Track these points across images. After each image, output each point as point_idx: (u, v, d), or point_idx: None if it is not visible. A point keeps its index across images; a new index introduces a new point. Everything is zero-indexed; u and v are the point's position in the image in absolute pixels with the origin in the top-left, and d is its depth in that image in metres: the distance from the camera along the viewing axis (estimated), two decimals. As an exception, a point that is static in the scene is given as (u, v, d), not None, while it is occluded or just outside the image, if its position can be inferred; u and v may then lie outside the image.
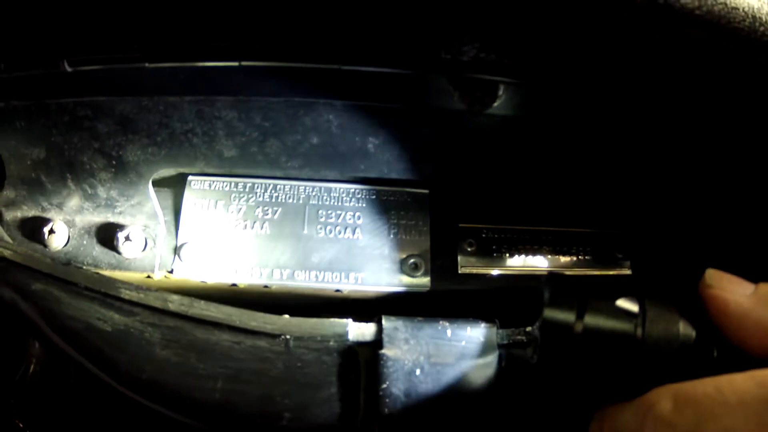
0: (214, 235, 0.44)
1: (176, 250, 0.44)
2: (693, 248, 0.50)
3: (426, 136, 0.41)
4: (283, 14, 0.37)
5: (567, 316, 0.34)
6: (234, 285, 0.43)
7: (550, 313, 0.35)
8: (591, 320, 0.34)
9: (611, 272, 0.48)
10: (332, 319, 0.41)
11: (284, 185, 0.44)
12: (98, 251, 0.44)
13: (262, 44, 0.38)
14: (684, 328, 0.34)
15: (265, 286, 0.43)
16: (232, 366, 0.41)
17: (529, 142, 0.41)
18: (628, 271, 0.48)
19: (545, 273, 0.46)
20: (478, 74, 0.37)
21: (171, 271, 0.44)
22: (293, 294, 0.45)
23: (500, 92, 0.39)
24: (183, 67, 0.41)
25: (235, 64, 0.39)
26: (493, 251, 0.45)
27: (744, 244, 0.48)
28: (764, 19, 0.41)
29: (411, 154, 0.42)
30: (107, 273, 0.44)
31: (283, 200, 0.44)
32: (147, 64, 0.41)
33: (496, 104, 0.39)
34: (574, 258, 0.47)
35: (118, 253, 0.44)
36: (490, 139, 0.41)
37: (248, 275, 0.43)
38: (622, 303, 0.34)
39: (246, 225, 0.44)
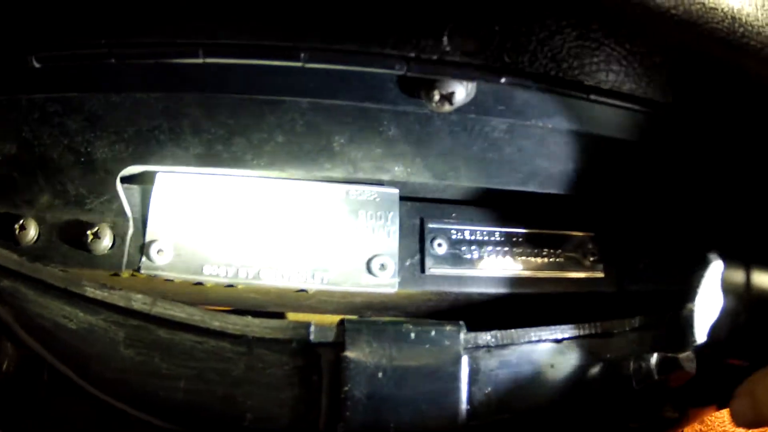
0: (182, 233, 0.44)
1: (144, 248, 0.44)
2: (667, 250, 0.49)
3: (393, 135, 0.40)
4: (247, 12, 0.37)
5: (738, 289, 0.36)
6: (199, 284, 0.43)
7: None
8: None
9: (583, 275, 0.47)
10: (294, 320, 0.40)
11: (252, 183, 0.44)
12: (67, 248, 0.44)
13: (226, 41, 0.38)
14: None
15: (230, 285, 0.43)
16: (194, 366, 0.41)
17: (498, 141, 0.41)
18: (600, 274, 0.47)
19: (516, 275, 0.45)
20: (445, 74, 0.36)
21: (138, 269, 0.43)
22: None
23: (468, 92, 0.38)
24: (149, 63, 0.40)
25: (200, 61, 0.38)
26: (463, 252, 0.45)
27: (714, 243, 0.47)
28: (744, 20, 0.40)
29: (378, 153, 0.41)
30: (76, 270, 0.44)
31: (251, 198, 0.44)
32: (114, 61, 0.40)
33: (463, 104, 0.38)
34: (546, 260, 0.47)
35: (87, 250, 0.44)
36: (458, 138, 0.41)
37: (213, 274, 0.43)
38: None
39: (212, 223, 0.44)
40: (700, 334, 0.41)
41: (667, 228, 0.49)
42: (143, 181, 0.45)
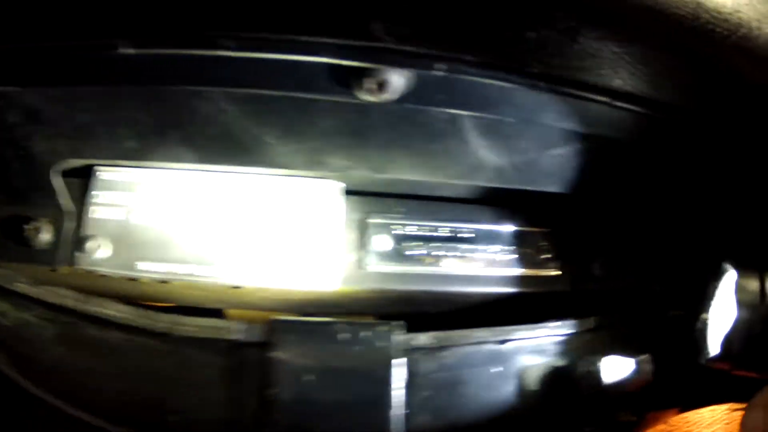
0: (118, 228, 0.43)
1: (80, 243, 0.43)
2: (627, 250, 0.47)
3: (330, 127, 0.39)
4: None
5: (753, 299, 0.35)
6: (134, 279, 0.42)
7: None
8: None
9: (537, 273, 0.45)
10: (222, 320, 0.39)
11: (189, 177, 0.43)
12: (7, 243, 0.44)
13: (153, 30, 0.36)
14: None
15: (164, 282, 0.42)
16: (122, 364, 0.40)
17: (441, 133, 0.39)
18: (555, 272, 0.45)
19: (464, 273, 0.43)
20: (376, 61, 0.35)
21: (74, 264, 0.42)
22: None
23: (405, 80, 0.36)
24: (82, 56, 0.39)
25: (132, 51, 0.37)
26: (407, 248, 0.43)
27: (671, 242, 0.45)
28: (710, 6, 0.37)
29: (314, 145, 0.40)
30: (14, 265, 0.43)
31: (187, 192, 0.43)
32: (47, 53, 0.40)
33: (402, 94, 0.36)
34: (497, 257, 0.44)
35: (27, 245, 0.43)
36: (398, 129, 0.39)
37: (147, 270, 0.42)
38: None
39: (148, 218, 0.42)
40: (713, 346, 0.40)
41: (628, 227, 0.47)
42: (82, 174, 0.44)
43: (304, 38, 0.34)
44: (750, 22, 0.38)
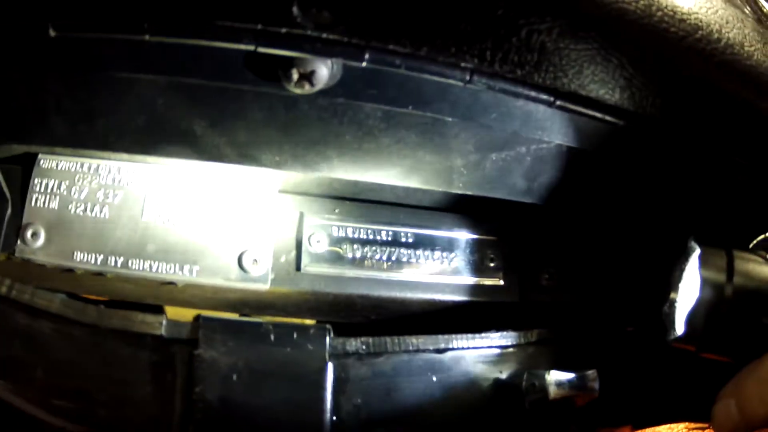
0: (56, 217, 0.42)
1: (19, 231, 0.42)
2: (574, 259, 0.44)
3: (258, 120, 0.37)
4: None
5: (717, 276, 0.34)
6: (70, 270, 0.41)
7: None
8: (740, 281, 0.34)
9: (482, 282, 0.43)
10: (149, 314, 0.38)
11: (127, 168, 0.42)
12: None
13: (77, 14, 0.35)
14: None
15: (99, 273, 0.41)
16: (51, 356, 0.39)
17: (374, 130, 0.37)
18: (500, 282, 0.43)
19: (403, 278, 0.42)
20: (298, 50, 0.33)
21: (12, 253, 0.42)
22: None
23: (332, 72, 0.34)
24: (8, 41, 0.38)
25: (53, 34, 0.36)
26: (344, 251, 0.41)
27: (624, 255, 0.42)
28: (664, 3, 0.35)
29: (242, 138, 0.38)
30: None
31: (125, 184, 0.42)
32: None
33: (329, 86, 0.35)
34: (439, 263, 0.42)
35: (-36, 232, 0.43)
36: (328, 125, 0.37)
37: (82, 261, 0.41)
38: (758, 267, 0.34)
39: (87, 208, 0.41)
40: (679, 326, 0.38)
41: (580, 238, 0.45)
42: (24, 161, 0.43)
43: (223, 23, 0.32)
44: (710, 25, 0.36)
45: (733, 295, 0.34)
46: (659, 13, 0.35)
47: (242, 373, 0.37)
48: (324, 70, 0.34)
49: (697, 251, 0.38)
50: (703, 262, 0.35)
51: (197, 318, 0.37)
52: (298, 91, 0.35)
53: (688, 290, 0.38)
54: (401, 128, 0.37)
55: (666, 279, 0.39)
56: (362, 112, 0.36)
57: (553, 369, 0.39)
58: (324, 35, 0.32)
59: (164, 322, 0.37)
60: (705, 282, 0.35)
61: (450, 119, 0.36)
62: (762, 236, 0.44)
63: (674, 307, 0.38)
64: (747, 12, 0.43)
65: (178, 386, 0.37)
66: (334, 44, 0.33)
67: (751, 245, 0.43)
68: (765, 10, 0.45)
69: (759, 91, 0.39)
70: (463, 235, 0.43)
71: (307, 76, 0.34)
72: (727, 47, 0.38)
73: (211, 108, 0.37)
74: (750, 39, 0.39)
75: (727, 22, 0.38)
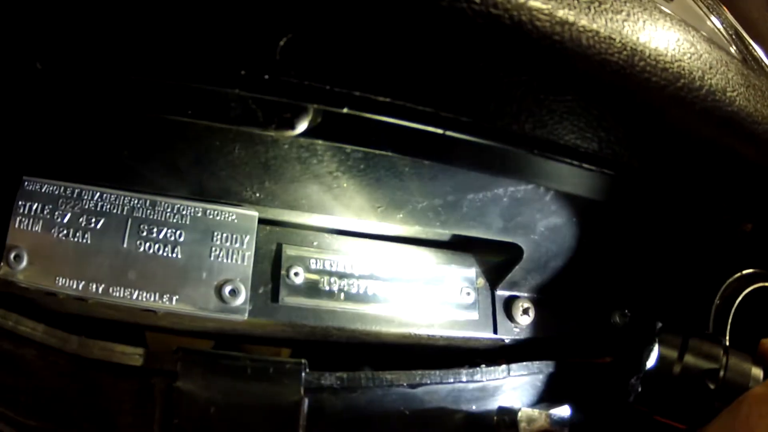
0: (40, 240, 0.42)
1: (4, 254, 0.42)
2: (548, 294, 0.45)
3: (240, 157, 0.37)
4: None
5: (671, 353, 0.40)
6: (51, 294, 0.41)
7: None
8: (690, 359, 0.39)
9: (460, 317, 0.43)
10: (129, 346, 0.39)
11: (110, 195, 0.42)
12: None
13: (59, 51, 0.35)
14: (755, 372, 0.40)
15: (80, 299, 0.41)
16: (33, 383, 0.40)
17: (352, 170, 0.37)
18: (475, 316, 0.43)
19: (380, 312, 0.42)
20: (281, 96, 0.33)
21: (-3, 275, 0.42)
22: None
23: (310, 116, 0.34)
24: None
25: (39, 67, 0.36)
26: (322, 283, 0.41)
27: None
28: (647, 54, 0.35)
29: (224, 174, 0.38)
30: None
31: (108, 210, 0.42)
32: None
33: (308, 129, 0.35)
34: (416, 298, 0.43)
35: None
36: (307, 164, 0.37)
37: (64, 286, 0.41)
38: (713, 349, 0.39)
39: (69, 233, 0.42)
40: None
41: (555, 274, 0.45)
42: (10, 184, 0.43)
43: (207, 67, 0.32)
44: (693, 72, 0.36)
45: (682, 370, 0.39)
46: (641, 63, 0.35)
47: (220, 406, 0.37)
48: (305, 115, 0.34)
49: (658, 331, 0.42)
50: (661, 341, 0.40)
51: (177, 350, 0.38)
52: (278, 134, 0.35)
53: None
54: (380, 169, 0.37)
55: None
56: (342, 153, 0.36)
57: (526, 404, 0.40)
58: (305, 82, 0.32)
59: (144, 353, 0.38)
60: (660, 357, 0.40)
61: (428, 163, 0.37)
62: (738, 274, 0.45)
63: (639, 383, 0.42)
64: (733, 52, 0.43)
65: (157, 417, 0.38)
66: (316, 91, 0.33)
67: (725, 284, 0.44)
68: (751, 49, 0.45)
69: (739, 137, 0.40)
70: (441, 270, 0.44)
71: (288, 121, 0.34)
72: (709, 94, 0.38)
73: (196, 144, 0.37)
74: (733, 83, 0.39)
75: (710, 68, 0.38)
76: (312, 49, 0.31)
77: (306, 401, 0.38)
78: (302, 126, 0.35)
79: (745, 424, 0.31)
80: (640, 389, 0.41)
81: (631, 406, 0.42)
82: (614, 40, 0.34)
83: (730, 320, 0.45)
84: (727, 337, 0.45)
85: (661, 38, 0.36)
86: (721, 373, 0.37)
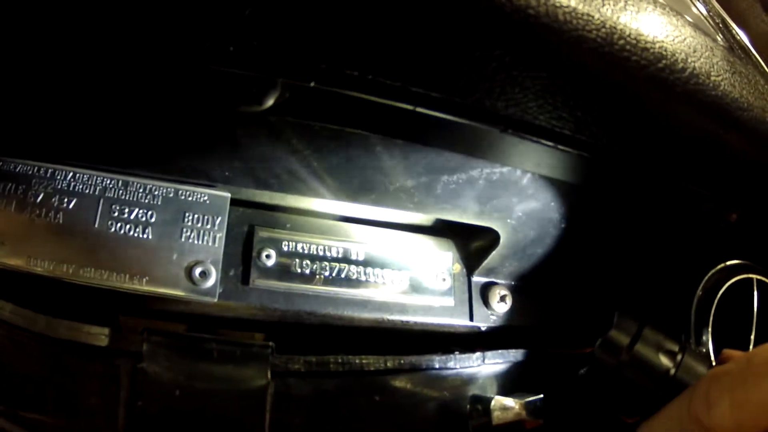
0: (14, 220, 0.42)
1: (-23, 234, 0.42)
2: (527, 283, 0.44)
3: (207, 134, 0.37)
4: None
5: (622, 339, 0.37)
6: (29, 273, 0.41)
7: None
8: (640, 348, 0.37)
9: (432, 302, 0.42)
10: (96, 326, 0.38)
11: (83, 174, 0.41)
12: None
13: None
14: None
15: (53, 279, 0.41)
16: (6, 362, 0.39)
17: (323, 149, 0.36)
18: (451, 302, 0.42)
19: (353, 296, 0.41)
20: (247, 69, 0.32)
21: (-31, 256, 0.42)
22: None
23: (279, 91, 0.34)
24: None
25: None
26: (294, 266, 0.41)
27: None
28: (627, 32, 0.34)
29: (193, 152, 0.38)
30: None
31: (80, 190, 0.41)
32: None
33: (276, 104, 0.34)
34: (390, 282, 0.42)
35: None
36: (277, 143, 0.37)
37: (37, 265, 0.41)
38: (669, 344, 0.36)
39: (41, 213, 0.41)
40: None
41: (533, 262, 0.44)
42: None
43: (174, 41, 0.32)
44: (675, 54, 0.35)
45: (630, 358, 0.36)
46: (621, 42, 0.34)
47: (184, 388, 0.37)
48: (272, 91, 0.34)
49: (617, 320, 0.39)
50: (616, 325, 0.37)
51: (143, 331, 0.37)
52: (246, 109, 0.34)
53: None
54: (350, 147, 0.36)
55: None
56: (311, 131, 0.36)
57: (501, 393, 0.39)
58: (271, 55, 0.32)
59: (109, 333, 0.37)
60: (609, 341, 0.37)
61: (401, 141, 0.36)
62: (721, 264, 0.44)
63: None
64: (718, 40, 0.42)
65: (122, 399, 0.37)
66: (282, 64, 0.32)
67: (708, 275, 0.43)
68: (738, 38, 0.44)
69: (722, 122, 0.39)
70: (416, 255, 0.43)
71: (255, 96, 0.34)
72: (692, 77, 0.37)
73: (163, 122, 0.37)
74: (717, 68, 0.39)
75: (694, 51, 0.37)
76: (278, 19, 0.31)
77: (273, 385, 0.37)
78: (270, 101, 0.34)
79: (704, 402, 0.30)
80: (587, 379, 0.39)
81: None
82: (592, 16, 0.33)
83: (712, 312, 0.43)
84: (710, 329, 0.43)
85: (642, 18, 0.35)
86: (672, 371, 0.35)
